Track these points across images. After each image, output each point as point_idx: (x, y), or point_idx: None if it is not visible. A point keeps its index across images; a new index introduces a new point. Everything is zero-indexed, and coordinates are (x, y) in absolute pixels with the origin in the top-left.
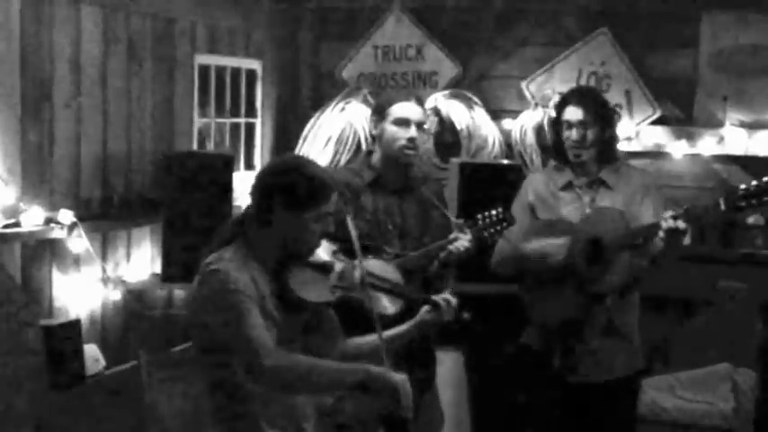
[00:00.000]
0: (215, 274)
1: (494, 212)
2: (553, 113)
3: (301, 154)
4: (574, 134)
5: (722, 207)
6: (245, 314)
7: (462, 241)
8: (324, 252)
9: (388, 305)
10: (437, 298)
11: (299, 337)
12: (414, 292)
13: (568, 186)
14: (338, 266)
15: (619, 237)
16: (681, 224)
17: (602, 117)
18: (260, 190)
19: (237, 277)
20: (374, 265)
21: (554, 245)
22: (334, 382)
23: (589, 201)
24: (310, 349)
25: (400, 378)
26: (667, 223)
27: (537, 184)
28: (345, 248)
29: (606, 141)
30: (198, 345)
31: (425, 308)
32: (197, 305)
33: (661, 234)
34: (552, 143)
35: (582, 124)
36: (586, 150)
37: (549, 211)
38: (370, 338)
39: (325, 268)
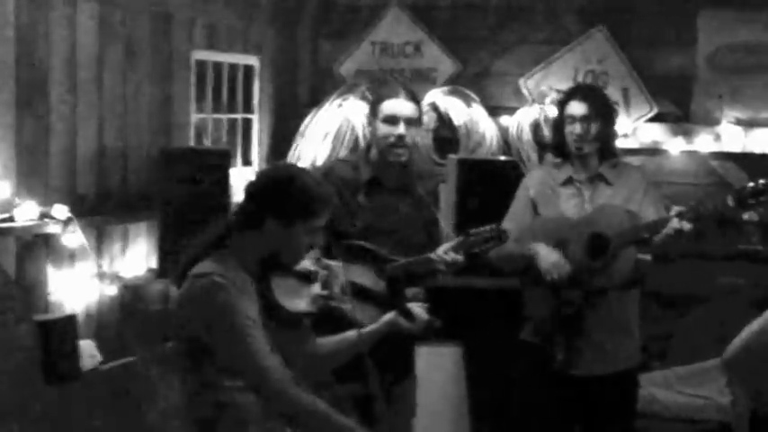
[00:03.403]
0: (219, 296)
1: (487, 228)
2: (554, 110)
3: (298, 164)
4: (577, 128)
5: (731, 204)
6: (253, 341)
7: (450, 258)
8: (307, 260)
9: (367, 314)
10: (412, 309)
11: (276, 344)
12: (393, 302)
13: (568, 182)
14: (321, 276)
15: (625, 231)
16: (686, 225)
17: (604, 113)
18: (253, 198)
19: (242, 300)
20: (355, 273)
21: (550, 259)
22: None
23: (589, 196)
24: (281, 350)
25: None
26: (672, 224)
27: (537, 180)
28: (327, 250)
29: (607, 137)
30: (186, 354)
31: (395, 312)
32: (196, 320)
33: (666, 232)
34: (553, 139)
35: (585, 119)
36: (588, 144)
37: (549, 206)
38: (347, 335)
39: (308, 277)
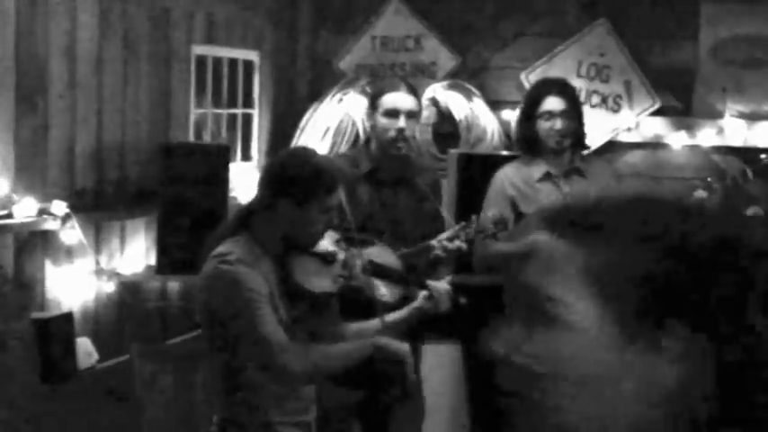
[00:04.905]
0: (227, 270)
1: (489, 214)
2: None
3: (308, 146)
4: (558, 124)
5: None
6: (258, 313)
7: (453, 244)
8: (327, 241)
9: (388, 293)
10: (434, 286)
11: (302, 325)
12: (413, 280)
13: (546, 177)
14: (341, 256)
15: None
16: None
17: (578, 107)
18: (266, 181)
19: (250, 275)
20: (375, 252)
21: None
22: (347, 364)
23: (568, 191)
24: (311, 335)
25: (404, 347)
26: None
27: (513, 178)
28: (346, 237)
29: (581, 131)
30: (208, 337)
31: (423, 294)
32: (209, 299)
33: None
34: (524, 134)
35: (564, 113)
36: (568, 139)
37: (530, 203)
38: (370, 324)
39: (327, 258)
